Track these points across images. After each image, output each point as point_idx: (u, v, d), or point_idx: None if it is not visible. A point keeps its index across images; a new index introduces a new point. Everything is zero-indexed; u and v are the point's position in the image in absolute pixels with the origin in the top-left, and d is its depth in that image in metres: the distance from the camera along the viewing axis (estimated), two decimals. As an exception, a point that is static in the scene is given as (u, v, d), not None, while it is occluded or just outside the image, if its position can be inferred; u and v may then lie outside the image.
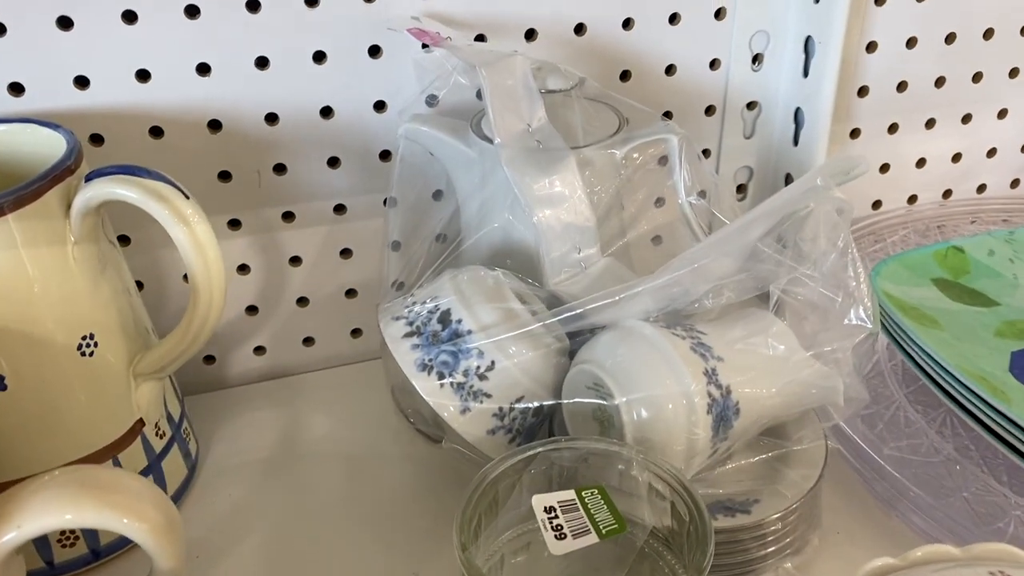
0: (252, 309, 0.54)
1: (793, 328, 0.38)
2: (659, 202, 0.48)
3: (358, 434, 0.51)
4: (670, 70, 0.55)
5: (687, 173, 0.46)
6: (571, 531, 0.33)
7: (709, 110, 0.57)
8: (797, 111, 0.56)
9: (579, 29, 0.52)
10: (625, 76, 0.54)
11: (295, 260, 0.53)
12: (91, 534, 0.42)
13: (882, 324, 0.48)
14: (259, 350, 0.56)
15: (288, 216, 0.52)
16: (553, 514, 0.34)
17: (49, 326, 0.39)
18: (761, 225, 0.36)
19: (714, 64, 0.56)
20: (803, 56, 0.55)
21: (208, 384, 0.55)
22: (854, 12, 0.54)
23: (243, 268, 0.53)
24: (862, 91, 0.59)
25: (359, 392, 0.54)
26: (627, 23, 0.53)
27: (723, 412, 0.38)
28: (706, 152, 0.59)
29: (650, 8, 0.52)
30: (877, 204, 0.64)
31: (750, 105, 0.58)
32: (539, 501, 0.34)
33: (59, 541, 0.41)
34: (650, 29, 0.53)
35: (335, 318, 0.56)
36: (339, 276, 0.55)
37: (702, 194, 0.47)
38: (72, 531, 0.41)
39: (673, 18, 0.53)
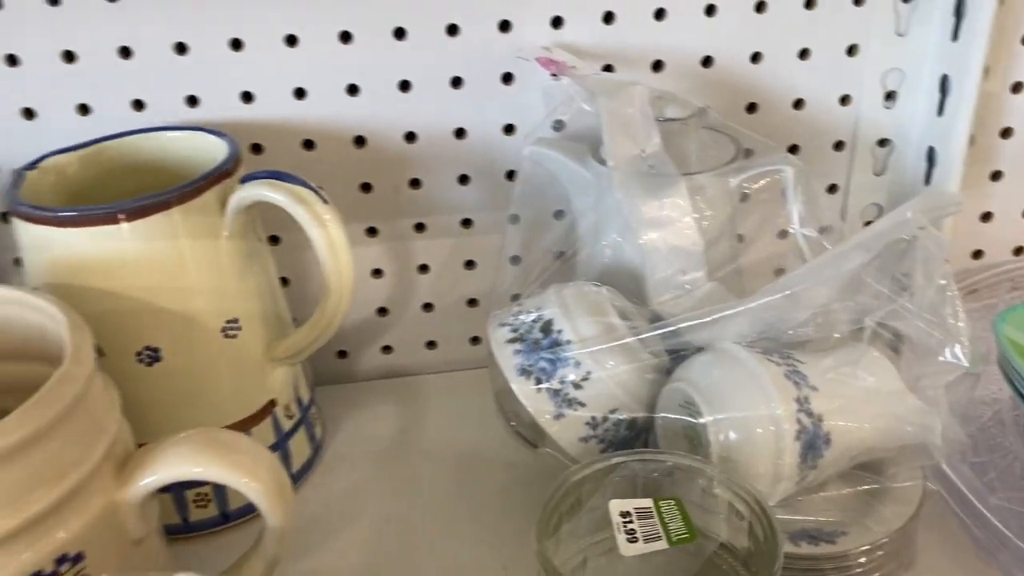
0: (382, 311, 0.59)
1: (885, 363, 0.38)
2: (782, 234, 0.49)
3: (466, 435, 0.54)
4: (798, 104, 0.55)
5: (802, 204, 0.47)
6: (643, 535, 0.35)
7: (838, 145, 0.57)
8: (930, 150, 0.55)
9: (706, 62, 0.53)
10: (752, 108, 0.55)
11: (423, 268, 0.58)
12: (221, 498, 0.47)
13: (1003, 372, 0.46)
14: (386, 349, 0.60)
15: (420, 227, 0.56)
16: (628, 519, 0.35)
17: (200, 309, 0.44)
18: (857, 256, 0.37)
19: (845, 100, 0.56)
20: (939, 95, 0.54)
21: (339, 376, 0.60)
22: (998, 51, 0.53)
23: (377, 272, 0.57)
24: (1006, 132, 0.57)
25: (472, 397, 0.57)
26: (755, 57, 0.54)
27: (812, 441, 0.39)
28: (833, 187, 0.58)
29: (780, 44, 0.53)
30: (1020, 250, 0.61)
31: (881, 142, 0.57)
32: (616, 505, 0.36)
33: (194, 501, 0.46)
34: (779, 64, 0.54)
35: (456, 325, 0.59)
36: (462, 286, 0.58)
37: (824, 229, 0.47)
38: (205, 493, 0.46)
39: (803, 53, 0.54)
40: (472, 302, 0.59)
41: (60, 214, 0.41)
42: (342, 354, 0.60)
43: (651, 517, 0.35)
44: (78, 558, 0.32)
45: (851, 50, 0.54)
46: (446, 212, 0.56)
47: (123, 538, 0.34)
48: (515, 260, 0.55)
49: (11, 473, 0.30)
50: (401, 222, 0.56)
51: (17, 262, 0.52)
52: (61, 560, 0.31)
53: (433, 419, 0.56)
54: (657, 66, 0.53)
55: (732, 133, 0.50)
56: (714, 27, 0.52)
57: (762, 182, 0.47)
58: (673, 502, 0.36)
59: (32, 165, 0.45)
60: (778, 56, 0.54)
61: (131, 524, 0.34)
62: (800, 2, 0.52)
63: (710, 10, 0.52)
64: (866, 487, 0.41)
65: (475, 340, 0.60)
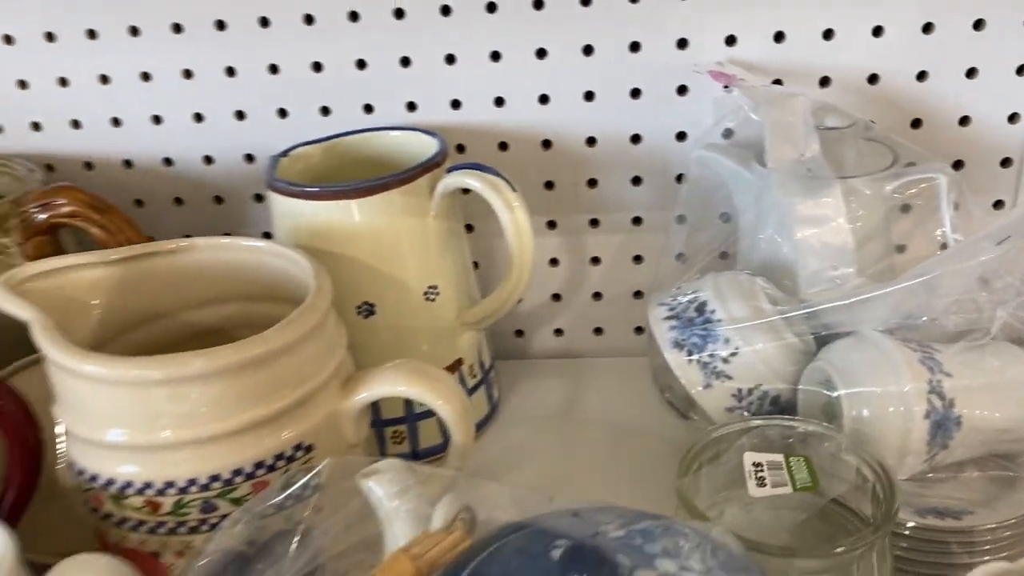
0: (556, 297, 0.66)
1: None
2: (936, 242, 0.52)
3: (624, 412, 0.60)
4: (964, 121, 0.58)
5: (954, 213, 0.49)
6: (771, 482, 0.39)
7: (1005, 162, 0.59)
8: (1103, 168, 0.56)
9: (872, 79, 0.57)
10: (916, 124, 0.58)
11: (595, 260, 0.64)
12: (414, 437, 0.55)
13: None
14: (558, 332, 0.67)
15: (594, 222, 0.63)
16: (760, 468, 0.40)
17: (408, 274, 0.53)
18: (988, 248, 0.40)
19: (1013, 118, 0.57)
20: (1113, 114, 0.55)
21: (515, 353, 0.67)
22: None
23: (554, 262, 0.64)
24: None
25: (632, 381, 0.62)
26: (921, 75, 0.57)
27: (942, 422, 0.42)
28: (999, 203, 0.60)
29: (947, 62, 0.56)
30: None
31: (1052, 160, 0.58)
32: (750, 456, 0.41)
33: (392, 438, 0.55)
34: (945, 82, 0.57)
35: (622, 314, 0.65)
36: (630, 279, 0.64)
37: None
38: (401, 431, 0.55)
39: (971, 72, 0.56)
40: (638, 294, 0.65)
41: (307, 189, 0.51)
42: (519, 333, 0.67)
43: (780, 468, 0.40)
44: (309, 448, 0.41)
45: (1020, 69, 0.56)
46: (619, 210, 0.62)
47: (342, 441, 0.43)
48: (679, 257, 0.60)
49: (266, 374, 0.39)
50: (578, 217, 0.63)
51: (267, 235, 0.64)
52: (297, 448, 0.40)
53: (595, 396, 0.62)
54: (824, 82, 0.57)
55: (891, 144, 0.53)
56: (881, 47, 0.56)
57: (915, 189, 0.50)
58: (802, 459, 0.41)
59: (284, 153, 0.56)
60: (944, 74, 0.56)
61: (348, 431, 0.43)
62: (968, 23, 0.55)
63: (877, 31, 0.55)
64: (998, 473, 0.44)
65: (639, 330, 0.66)
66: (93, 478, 0.40)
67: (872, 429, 0.42)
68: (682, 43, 0.57)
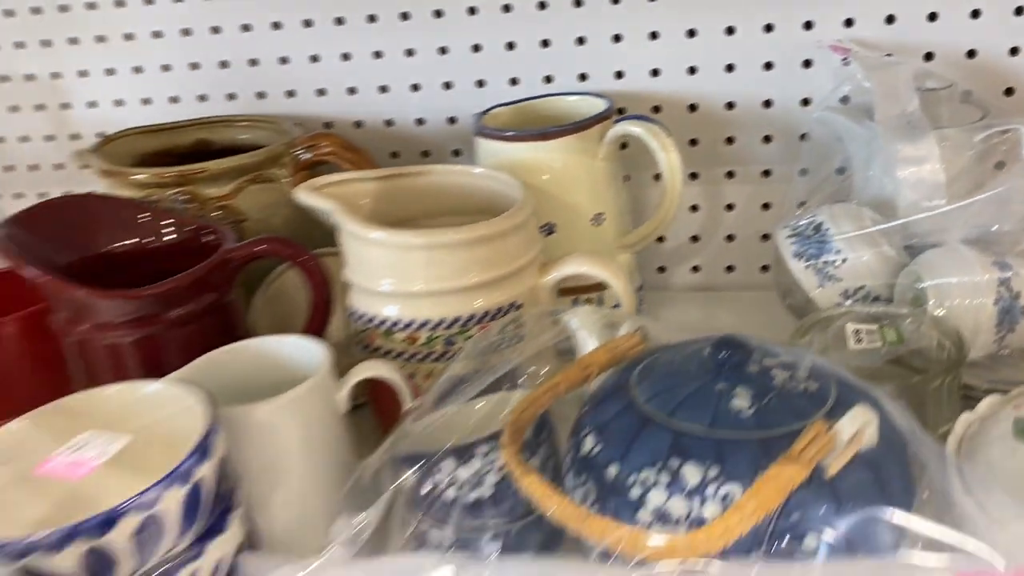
0: (695, 239, 0.79)
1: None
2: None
3: (751, 328, 0.72)
4: (1053, 89, 0.68)
5: (1033, 158, 0.60)
6: (866, 341, 0.52)
7: (1091, 125, 0.69)
8: None
9: (970, 54, 0.68)
10: (1009, 92, 0.69)
11: (729, 207, 0.77)
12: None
13: None
14: (695, 269, 0.80)
15: (730, 174, 0.76)
16: (858, 332, 0.53)
17: (579, 202, 0.67)
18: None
19: (1095, 86, 0.67)
20: None
21: (658, 286, 0.81)
22: None
23: (694, 208, 0.78)
24: None
25: (760, 310, 0.74)
26: (1014, 51, 0.68)
27: (1009, 309, 0.54)
28: (1086, 161, 0.70)
29: (1037, 39, 0.67)
30: None
31: None
32: (851, 325, 0.54)
33: (562, 334, 0.70)
34: (1036, 56, 0.67)
35: (752, 254, 0.78)
36: (758, 222, 0.77)
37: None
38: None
39: (1059, 47, 0.67)
40: (765, 236, 0.78)
41: (507, 133, 0.66)
42: (661, 269, 0.81)
43: (874, 332, 0.53)
44: (520, 307, 0.56)
45: (1101, 45, 0.66)
46: (751, 163, 0.75)
47: (540, 305, 0.58)
48: (801, 205, 0.73)
49: (491, 249, 0.54)
50: (716, 170, 0.76)
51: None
52: (511, 305, 0.56)
53: (726, 321, 0.76)
54: (928, 57, 0.69)
55: (982, 104, 0.64)
56: (978, 26, 0.67)
57: (1000, 139, 0.61)
58: (894, 330, 0.53)
59: (485, 112, 0.72)
60: (1035, 49, 0.67)
61: (545, 298, 0.58)
62: (1055, 6, 0.66)
63: (975, 13, 0.67)
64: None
65: (765, 268, 0.78)
66: (370, 319, 0.56)
67: (951, 312, 0.54)
68: (808, 25, 0.70)
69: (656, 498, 0.39)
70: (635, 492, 0.39)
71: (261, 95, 0.82)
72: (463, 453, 0.44)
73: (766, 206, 0.77)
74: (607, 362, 0.46)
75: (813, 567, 0.35)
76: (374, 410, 0.58)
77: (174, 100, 0.84)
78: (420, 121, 0.80)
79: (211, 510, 0.40)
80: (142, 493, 0.36)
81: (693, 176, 0.77)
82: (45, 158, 0.90)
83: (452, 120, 0.79)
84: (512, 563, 0.39)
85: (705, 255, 0.80)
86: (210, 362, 0.50)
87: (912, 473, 0.39)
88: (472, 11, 0.75)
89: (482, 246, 0.54)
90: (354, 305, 0.57)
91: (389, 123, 0.81)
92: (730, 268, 0.80)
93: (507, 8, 0.74)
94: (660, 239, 0.79)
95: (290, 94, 0.82)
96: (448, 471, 0.44)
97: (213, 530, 0.40)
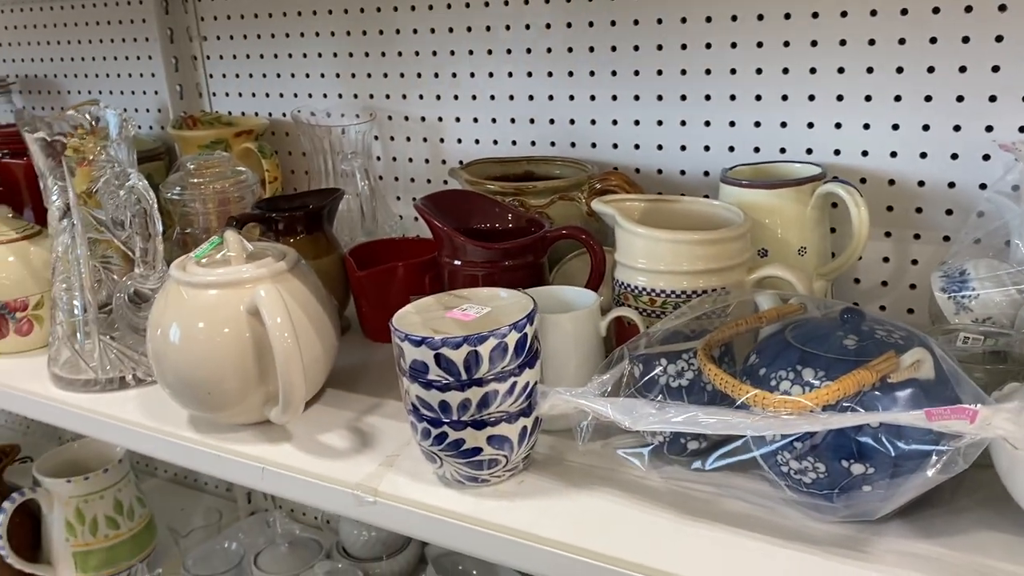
0: (884, 283, 1.01)
1: None
2: None
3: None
4: None
5: None
6: (970, 344, 0.74)
7: None
8: None
9: (1126, 161, 0.86)
10: None
11: (914, 262, 0.99)
12: (776, 332, 0.95)
13: None
14: (882, 308, 1.02)
15: (916, 236, 0.98)
16: (967, 340, 0.75)
17: (789, 237, 0.93)
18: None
19: None
20: None
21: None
22: None
23: (885, 259, 1.00)
24: None
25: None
26: None
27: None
28: None
29: None
30: None
31: None
32: (962, 334, 0.75)
33: (762, 332, 0.96)
34: None
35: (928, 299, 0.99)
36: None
37: None
38: (769, 327, 0.95)
39: None
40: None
41: (742, 182, 0.94)
42: (856, 304, 1.04)
43: (979, 340, 0.74)
44: (728, 291, 0.83)
45: None
46: (935, 230, 0.97)
47: (744, 292, 0.85)
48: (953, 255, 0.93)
49: (718, 249, 0.82)
50: (906, 231, 0.99)
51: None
52: (723, 289, 0.83)
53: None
54: (1088, 160, 0.88)
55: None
56: None
57: None
58: (994, 340, 0.74)
59: (729, 169, 1.00)
60: None
61: (746, 290, 0.85)
62: None
63: None
64: None
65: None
66: (627, 286, 0.86)
67: (1047, 337, 0.74)
68: (989, 128, 0.92)
69: (784, 386, 0.65)
70: (772, 383, 0.66)
71: (573, 144, 1.17)
72: (673, 356, 0.73)
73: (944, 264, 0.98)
74: (774, 316, 0.72)
75: (864, 416, 0.59)
76: (619, 339, 0.87)
77: (514, 143, 1.21)
78: (683, 172, 1.10)
79: (527, 353, 0.71)
80: (500, 328, 0.69)
81: (887, 234, 1.00)
82: (420, 174, 1.31)
83: (706, 173, 1.09)
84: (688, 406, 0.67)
85: (891, 297, 1.02)
86: (532, 291, 0.82)
87: (953, 400, 0.62)
88: (732, 98, 1.04)
89: (709, 246, 0.83)
90: (617, 276, 0.88)
91: (660, 171, 1.12)
92: (910, 310, 1.01)
93: (758, 97, 1.03)
94: (857, 280, 1.02)
95: (593, 145, 1.15)
96: (662, 366, 0.73)
97: (526, 364, 0.71)
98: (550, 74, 1.15)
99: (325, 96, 1.35)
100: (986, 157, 0.93)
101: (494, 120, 1.21)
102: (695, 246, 0.83)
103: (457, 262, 0.90)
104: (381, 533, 1.43)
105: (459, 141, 1.25)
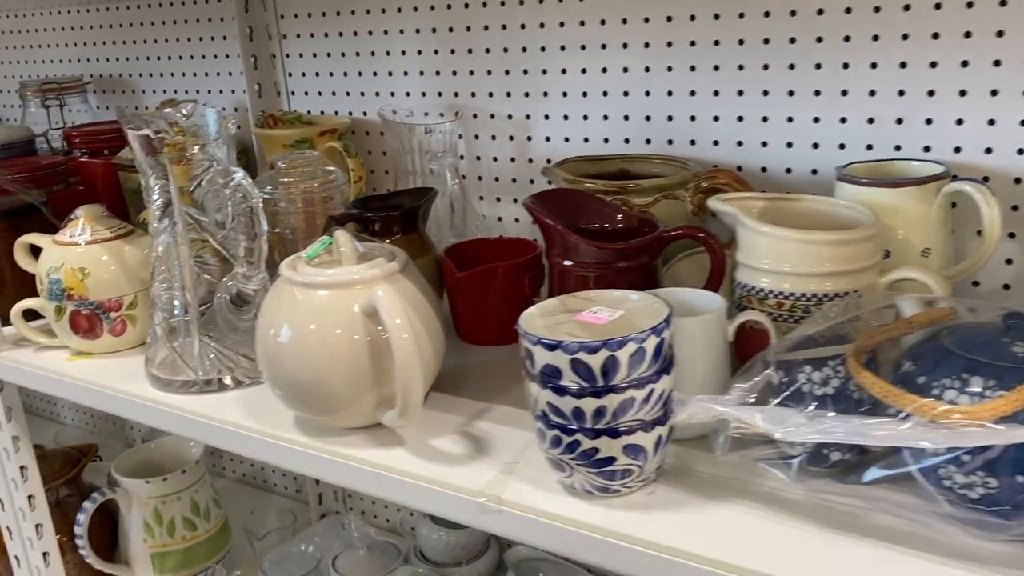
0: (1006, 287, 0.97)
1: None
2: None
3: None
4: None
5: None
6: None
7: None
8: None
9: None
10: None
11: (1041, 263, 0.95)
12: (897, 337, 0.91)
13: None
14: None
15: (1045, 237, 0.94)
16: None
17: (912, 238, 0.89)
18: None
19: None
20: None
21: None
22: None
23: (1008, 261, 0.96)
24: None
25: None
26: None
27: None
28: None
29: None
30: None
31: None
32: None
33: (882, 336, 0.92)
34: None
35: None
36: (1066, 279, 0.94)
37: None
38: (890, 332, 0.91)
39: None
40: (1071, 292, 0.94)
41: (863, 180, 0.90)
42: (975, 283, 0.99)
43: None
44: (860, 295, 0.79)
45: None
46: (1065, 230, 0.93)
47: (875, 295, 0.81)
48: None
49: (850, 250, 0.79)
50: (1033, 233, 0.94)
51: (813, 218, 1.05)
52: (854, 292, 0.79)
53: None
54: None
55: None
56: None
57: None
58: None
59: (844, 167, 0.96)
60: None
61: (878, 294, 0.81)
62: None
63: None
64: None
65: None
66: (750, 288, 0.83)
67: None
68: None
69: (948, 396, 0.61)
70: (935, 392, 0.62)
71: (670, 142, 1.13)
72: (818, 363, 0.69)
73: (1076, 266, 0.93)
74: (925, 322, 0.69)
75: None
76: (739, 344, 0.83)
77: (605, 141, 1.18)
78: (788, 170, 1.06)
79: (663, 359, 0.68)
80: (639, 333, 0.66)
81: (1011, 235, 0.95)
82: (505, 173, 1.28)
83: (814, 171, 1.05)
84: (846, 417, 0.63)
85: (1013, 301, 0.97)
86: (655, 293, 0.79)
87: None
88: (844, 93, 1.00)
89: (840, 247, 0.79)
90: (739, 278, 0.84)
91: (764, 170, 1.08)
92: (1034, 315, 0.96)
93: (872, 93, 0.99)
94: (975, 283, 0.98)
95: (692, 143, 1.12)
96: (806, 373, 0.69)
97: (663, 371, 0.68)
98: (647, 69, 1.12)
99: (408, 95, 1.33)
100: (1123, 155, 0.88)
101: (585, 117, 1.18)
102: (826, 247, 0.79)
103: (568, 262, 0.87)
104: (460, 537, 1.41)
105: (547, 139, 1.23)
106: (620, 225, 0.92)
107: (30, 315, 1.11)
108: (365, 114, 1.39)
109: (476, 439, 0.83)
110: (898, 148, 0.99)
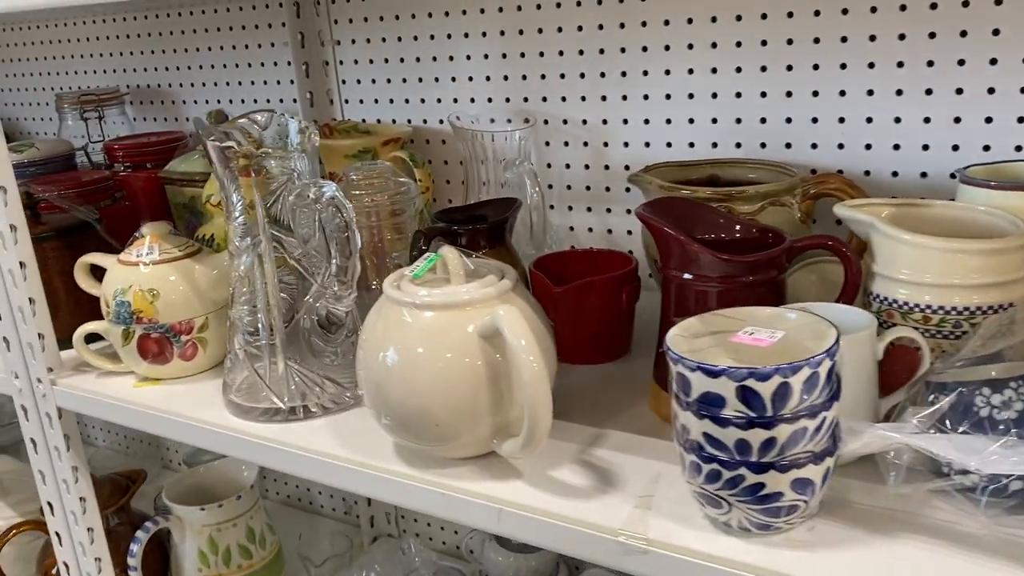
0: None
1: None
2: None
3: None
4: None
5: None
6: None
7: None
8: None
9: None
10: None
11: None
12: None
13: None
14: None
15: None
16: None
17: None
18: None
19: None
20: None
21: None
22: None
23: None
24: None
25: None
26: None
27: None
28: None
29: None
30: None
31: None
32: None
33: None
34: None
35: None
36: None
37: None
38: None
39: None
40: None
41: (992, 183, 0.85)
42: None
43: None
44: (1013, 307, 0.74)
45: None
46: None
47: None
48: None
49: (998, 259, 0.73)
50: None
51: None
52: (1008, 304, 0.73)
53: None
54: None
55: None
56: None
57: None
58: None
59: (963, 169, 0.91)
60: None
61: (1032, 306, 0.75)
62: None
63: None
64: None
65: None
66: (889, 301, 0.77)
67: None
68: None
69: None
70: None
71: (763, 145, 1.08)
72: (998, 385, 0.63)
73: None
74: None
75: None
76: (885, 363, 0.77)
77: (691, 145, 1.12)
78: (895, 174, 1.01)
79: (834, 383, 0.63)
80: (814, 356, 0.60)
81: None
82: (578, 181, 1.22)
83: (924, 175, 0.99)
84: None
85: None
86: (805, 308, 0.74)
87: None
88: (959, 91, 0.95)
89: (990, 256, 0.73)
90: (875, 289, 0.79)
91: (867, 173, 1.02)
92: None
93: (991, 91, 0.93)
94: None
95: (788, 146, 1.06)
96: (984, 396, 0.63)
97: (833, 397, 0.63)
98: (739, 70, 1.06)
99: (473, 100, 1.27)
100: None
101: (668, 121, 1.13)
102: (976, 256, 0.73)
103: (687, 276, 0.81)
104: (529, 562, 1.35)
105: (626, 145, 1.17)
106: (738, 235, 0.86)
107: (90, 338, 1.05)
108: (425, 122, 1.33)
109: (598, 469, 0.77)
110: (1018, 149, 0.94)
